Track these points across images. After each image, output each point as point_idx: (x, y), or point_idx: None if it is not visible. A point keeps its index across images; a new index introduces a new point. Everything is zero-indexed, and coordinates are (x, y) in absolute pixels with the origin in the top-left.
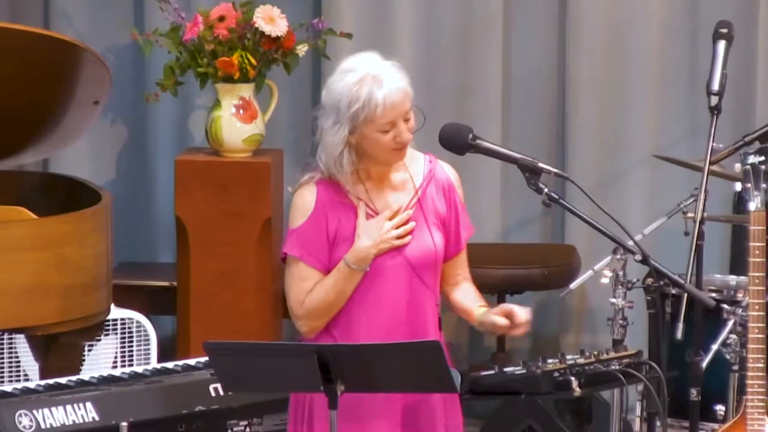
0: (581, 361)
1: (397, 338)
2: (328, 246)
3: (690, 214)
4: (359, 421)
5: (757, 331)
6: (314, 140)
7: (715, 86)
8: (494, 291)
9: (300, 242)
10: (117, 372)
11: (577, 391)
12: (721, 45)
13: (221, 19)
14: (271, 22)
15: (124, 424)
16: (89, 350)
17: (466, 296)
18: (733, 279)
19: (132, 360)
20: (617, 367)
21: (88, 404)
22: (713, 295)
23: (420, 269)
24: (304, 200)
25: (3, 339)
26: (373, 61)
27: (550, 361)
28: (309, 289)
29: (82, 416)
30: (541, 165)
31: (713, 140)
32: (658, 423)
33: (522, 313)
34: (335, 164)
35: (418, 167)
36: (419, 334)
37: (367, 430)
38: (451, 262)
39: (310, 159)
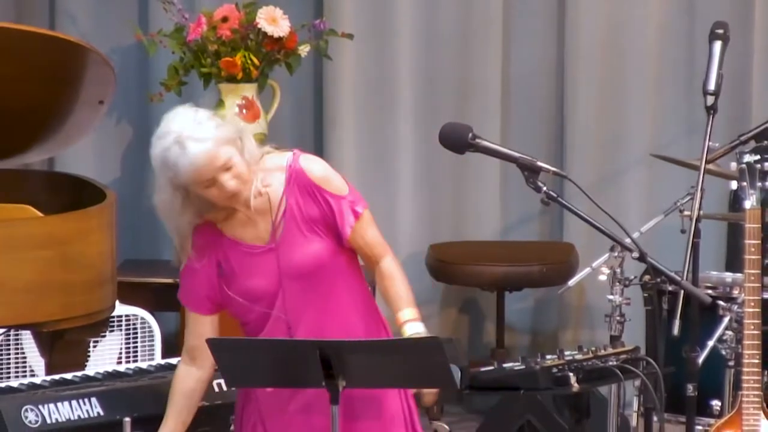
0: (579, 357)
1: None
2: (214, 285)
3: (687, 212)
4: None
5: (752, 327)
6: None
7: (712, 86)
8: (493, 288)
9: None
10: (121, 368)
11: (575, 386)
12: (717, 45)
13: (224, 19)
14: (274, 22)
15: (127, 419)
16: (94, 346)
17: (387, 293)
18: (729, 276)
19: (136, 356)
20: (615, 363)
21: (93, 399)
22: (709, 292)
23: (308, 280)
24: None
25: (9, 335)
26: (179, 124)
27: (548, 357)
28: (187, 342)
29: (87, 411)
30: (539, 164)
31: (709, 139)
32: (655, 418)
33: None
34: (187, 224)
35: (278, 179)
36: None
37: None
38: (355, 250)
39: None
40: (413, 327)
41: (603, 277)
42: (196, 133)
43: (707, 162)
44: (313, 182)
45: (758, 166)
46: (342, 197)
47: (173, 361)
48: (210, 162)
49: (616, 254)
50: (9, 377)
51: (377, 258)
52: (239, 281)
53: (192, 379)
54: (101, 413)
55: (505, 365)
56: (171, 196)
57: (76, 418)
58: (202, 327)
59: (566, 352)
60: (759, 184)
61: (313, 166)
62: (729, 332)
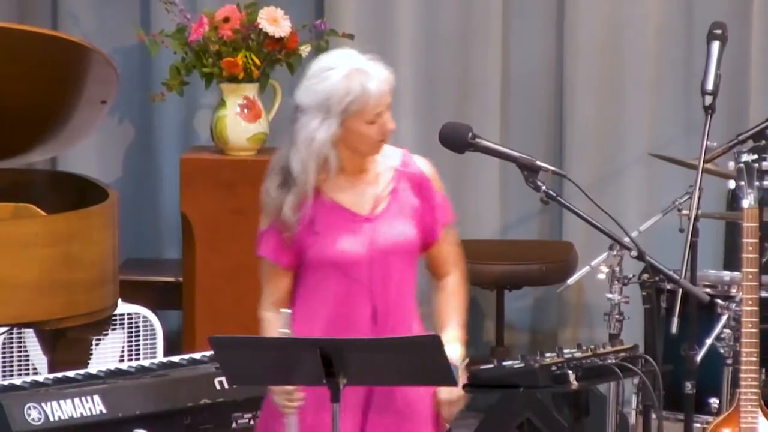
0: (578, 355)
1: (365, 324)
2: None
3: (685, 212)
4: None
5: (750, 325)
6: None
7: (710, 86)
8: (493, 287)
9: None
10: (124, 366)
11: (575, 384)
12: (715, 45)
13: (226, 20)
14: (275, 23)
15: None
16: (97, 344)
17: (443, 307)
18: (726, 275)
19: (138, 354)
20: (614, 361)
21: (96, 397)
22: (707, 290)
23: (392, 257)
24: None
25: (12, 333)
26: (351, 57)
27: (547, 355)
28: (269, 296)
29: (90, 409)
30: (539, 163)
31: (707, 139)
32: (653, 416)
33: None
34: (317, 163)
35: (391, 162)
36: (392, 322)
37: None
38: (431, 254)
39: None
40: (454, 349)
41: (602, 276)
42: (372, 64)
43: (705, 161)
44: (425, 175)
45: (756, 165)
46: (444, 198)
47: (175, 359)
48: (388, 91)
49: (614, 253)
50: (12, 375)
51: (452, 268)
52: (328, 243)
53: None
54: (104, 411)
55: (504, 363)
56: (319, 125)
57: (78, 415)
58: (284, 280)
59: (565, 351)
60: (757, 183)
61: (426, 164)
62: (727, 330)
